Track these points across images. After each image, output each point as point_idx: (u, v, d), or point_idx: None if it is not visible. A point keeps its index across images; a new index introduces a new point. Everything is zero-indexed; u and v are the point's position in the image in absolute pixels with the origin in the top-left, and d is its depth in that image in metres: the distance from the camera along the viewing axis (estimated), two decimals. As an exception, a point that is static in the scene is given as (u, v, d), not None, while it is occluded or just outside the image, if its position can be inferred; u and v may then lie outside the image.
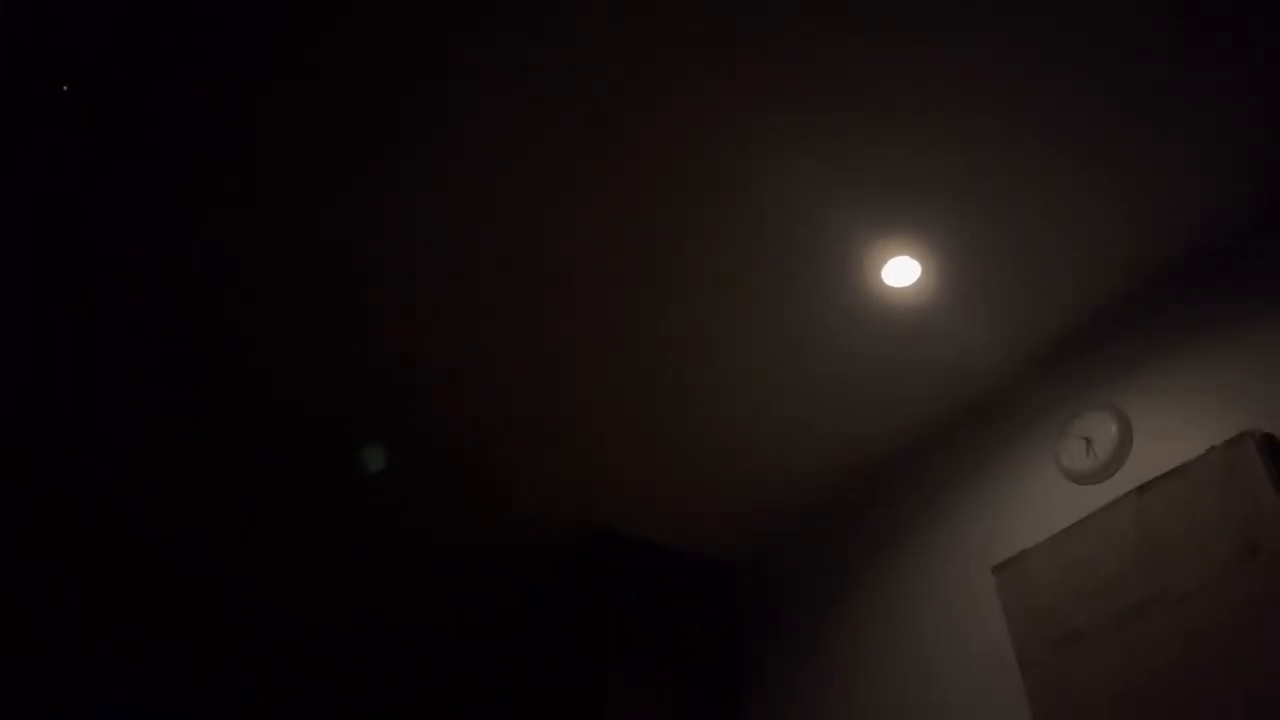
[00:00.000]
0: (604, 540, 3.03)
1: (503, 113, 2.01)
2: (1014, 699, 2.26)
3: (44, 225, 2.18)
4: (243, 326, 2.42)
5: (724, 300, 2.39)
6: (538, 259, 2.30)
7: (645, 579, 3.03)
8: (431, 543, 3.10)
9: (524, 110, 2.01)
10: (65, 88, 1.90)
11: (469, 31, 1.88)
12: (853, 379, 2.60)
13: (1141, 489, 2.18)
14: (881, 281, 2.36)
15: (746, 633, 3.07)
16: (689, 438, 2.75)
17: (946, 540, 2.59)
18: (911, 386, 2.62)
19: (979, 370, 2.59)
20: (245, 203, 2.17)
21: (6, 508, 2.84)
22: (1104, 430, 2.31)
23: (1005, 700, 2.28)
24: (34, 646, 2.95)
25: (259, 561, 3.12)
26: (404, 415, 2.66)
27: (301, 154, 2.08)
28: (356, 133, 2.04)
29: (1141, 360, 2.35)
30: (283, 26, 1.87)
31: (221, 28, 1.87)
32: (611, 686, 2.75)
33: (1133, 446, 2.27)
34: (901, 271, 2.35)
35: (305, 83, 1.96)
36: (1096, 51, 1.94)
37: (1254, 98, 2.02)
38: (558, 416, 2.67)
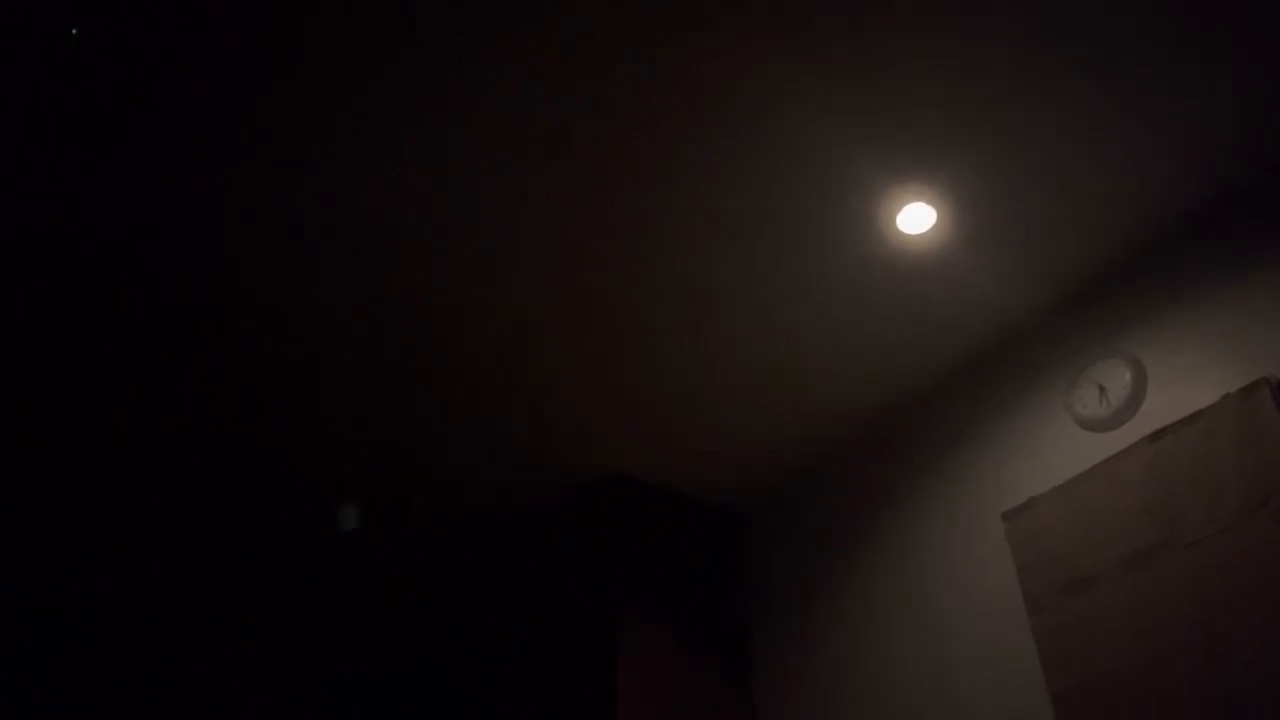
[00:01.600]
0: (614, 486, 3.05)
1: (531, 39, 1.98)
2: (1022, 644, 2.28)
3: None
4: (256, 282, 2.42)
5: (739, 246, 2.38)
6: (551, 202, 2.29)
7: (654, 525, 3.06)
8: (440, 488, 3.12)
9: (553, 49, 1.98)
10: (74, 31, 1.88)
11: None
12: (866, 326, 2.59)
13: (1154, 436, 2.18)
14: (896, 228, 2.35)
15: (754, 580, 3.10)
16: (701, 383, 2.75)
17: (956, 488, 2.60)
18: (924, 334, 2.62)
19: (992, 318, 2.58)
20: (260, 155, 2.16)
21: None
22: (1118, 377, 2.30)
23: (1013, 645, 2.30)
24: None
25: (269, 505, 3.16)
26: (415, 360, 2.66)
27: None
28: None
29: (1158, 307, 2.33)
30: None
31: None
32: (620, 633, 2.79)
33: (1146, 394, 2.26)
34: (916, 218, 2.33)
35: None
36: (1115, -4, 1.90)
37: (1271, 47, 1.99)
38: (568, 360, 2.68)
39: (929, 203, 2.29)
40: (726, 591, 3.10)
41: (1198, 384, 2.18)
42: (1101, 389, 2.33)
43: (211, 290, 2.45)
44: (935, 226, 2.34)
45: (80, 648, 2.74)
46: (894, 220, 2.33)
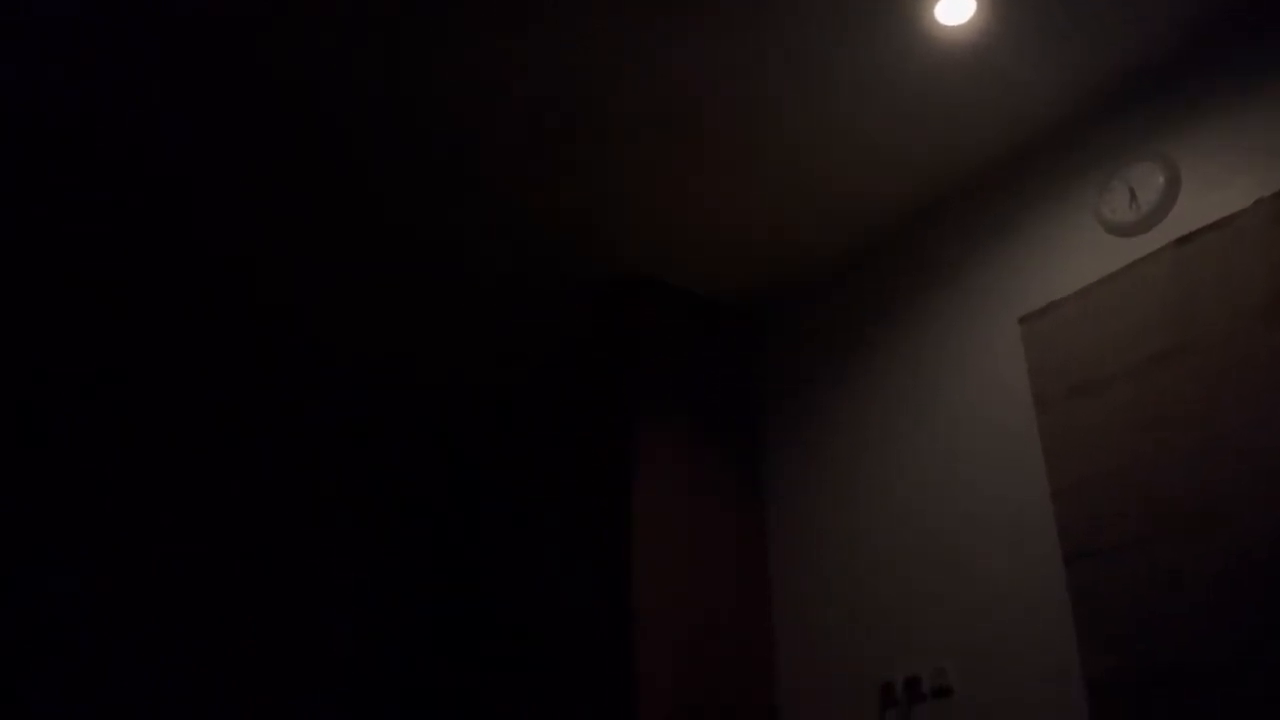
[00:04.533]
0: (630, 286, 3.07)
1: None
2: (1028, 444, 2.34)
3: None
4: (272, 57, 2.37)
5: (767, 33, 2.29)
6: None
7: (673, 327, 3.09)
8: (457, 289, 3.14)
9: None
10: None
11: None
12: (897, 122, 2.52)
13: (1181, 240, 2.15)
14: (934, 18, 2.24)
15: (769, 381, 3.16)
16: (720, 184, 2.72)
17: (977, 291, 2.60)
18: (956, 132, 2.55)
19: (1027, 116, 2.50)
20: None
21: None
22: (1150, 181, 2.25)
23: (1019, 445, 2.36)
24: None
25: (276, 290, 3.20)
26: (436, 154, 2.63)
27: None
28: None
29: (1197, 109, 2.25)
30: None
31: None
32: (637, 430, 2.86)
33: (1178, 198, 2.22)
34: (955, 8, 2.22)
35: None
36: None
37: None
38: (588, 158, 2.64)
39: (970, -10, 2.19)
40: (741, 392, 3.15)
41: (1230, 189, 2.13)
42: (1132, 192, 2.28)
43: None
44: (975, 16, 2.24)
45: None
46: (932, 9, 2.22)
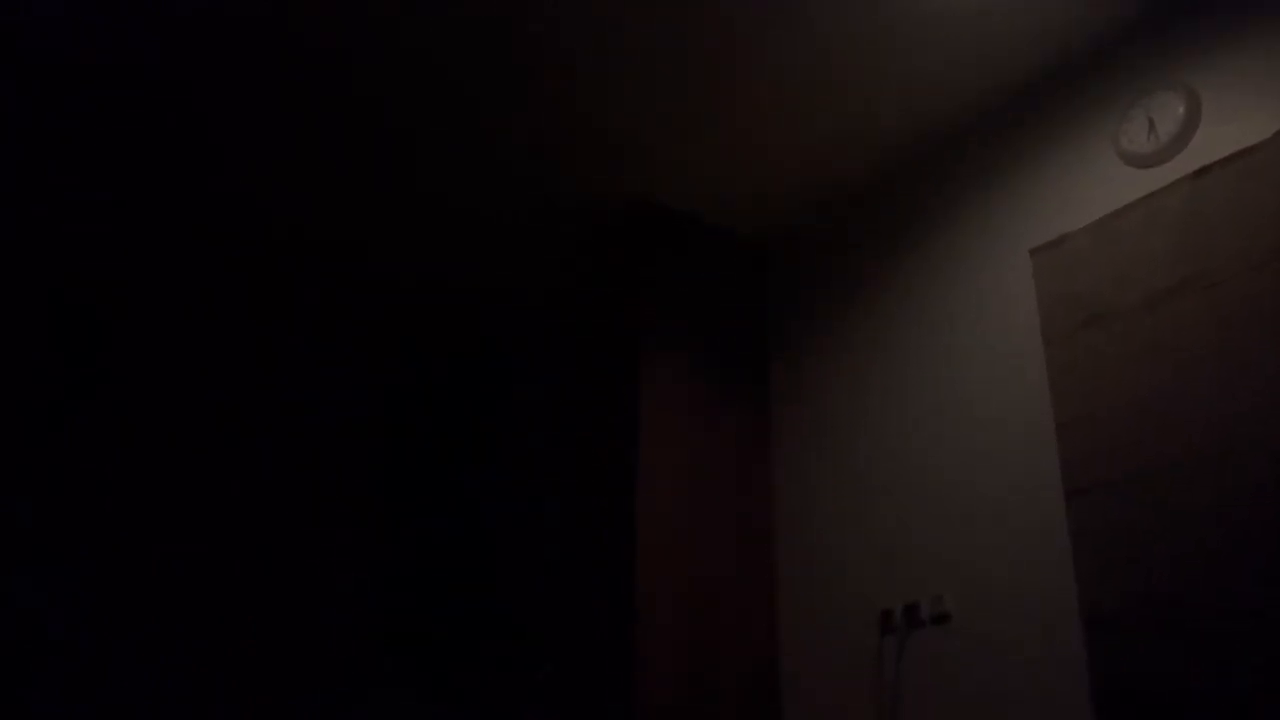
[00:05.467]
0: (641, 211, 3.04)
1: None
2: (1034, 376, 2.33)
3: None
4: None
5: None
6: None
7: (679, 254, 3.07)
8: (466, 214, 3.13)
9: None
10: None
11: None
12: (913, 46, 2.46)
13: (1198, 173, 2.11)
14: (953, -62, 2.18)
15: (780, 313, 3.15)
16: (738, 105, 2.67)
17: (988, 221, 2.57)
18: (973, 58, 2.49)
19: (1047, 42, 2.44)
20: None
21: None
22: (1170, 110, 2.20)
23: (1027, 377, 2.35)
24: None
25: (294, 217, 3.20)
26: (444, 76, 2.59)
27: None
28: None
29: (1220, 37, 2.19)
30: None
31: None
32: (643, 358, 2.86)
33: (1198, 129, 2.17)
34: (976, -73, 2.16)
35: None
36: None
37: None
38: (602, 82, 2.60)
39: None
40: (749, 322, 3.15)
41: (1251, 120, 2.08)
42: (1151, 122, 2.23)
43: None
44: (995, -63, 2.17)
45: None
46: (951, -71, 2.16)
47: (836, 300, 2.95)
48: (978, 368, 2.48)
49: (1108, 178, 2.32)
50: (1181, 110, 2.18)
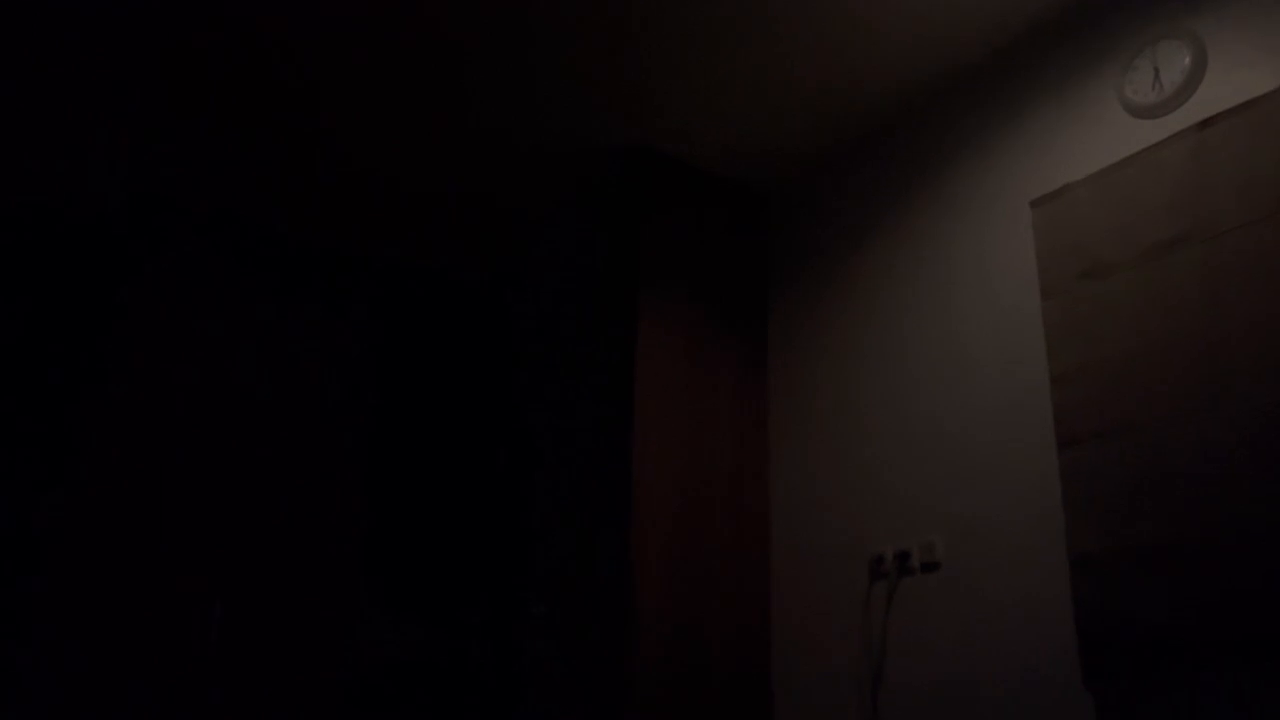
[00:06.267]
0: (641, 160, 3.02)
1: None
2: (1031, 327, 2.33)
3: None
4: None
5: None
6: None
7: (680, 202, 3.06)
8: (465, 159, 3.11)
9: None
10: None
11: None
12: (916, -6, 2.43)
13: (1202, 124, 2.09)
14: (961, -121, 2.14)
15: (779, 260, 3.14)
16: (730, 51, 2.64)
17: (989, 173, 2.55)
18: (974, 3, 2.45)
19: (1054, -9, 2.41)
20: None
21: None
22: (1176, 60, 2.17)
23: (1023, 328, 2.35)
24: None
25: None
26: (437, 27, 2.56)
27: None
28: None
29: (1234, -15, 2.16)
30: None
31: None
32: (642, 304, 2.86)
33: (1203, 80, 2.15)
34: None
35: None
36: None
37: None
38: (593, 25, 2.57)
39: None
40: (749, 269, 3.14)
41: (1258, 71, 2.06)
42: (1156, 72, 2.21)
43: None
44: (1005, -121, 2.13)
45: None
46: None
47: (835, 250, 2.94)
48: (975, 318, 2.48)
49: (1111, 128, 2.30)
50: (1187, 60, 2.16)
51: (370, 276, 3.68)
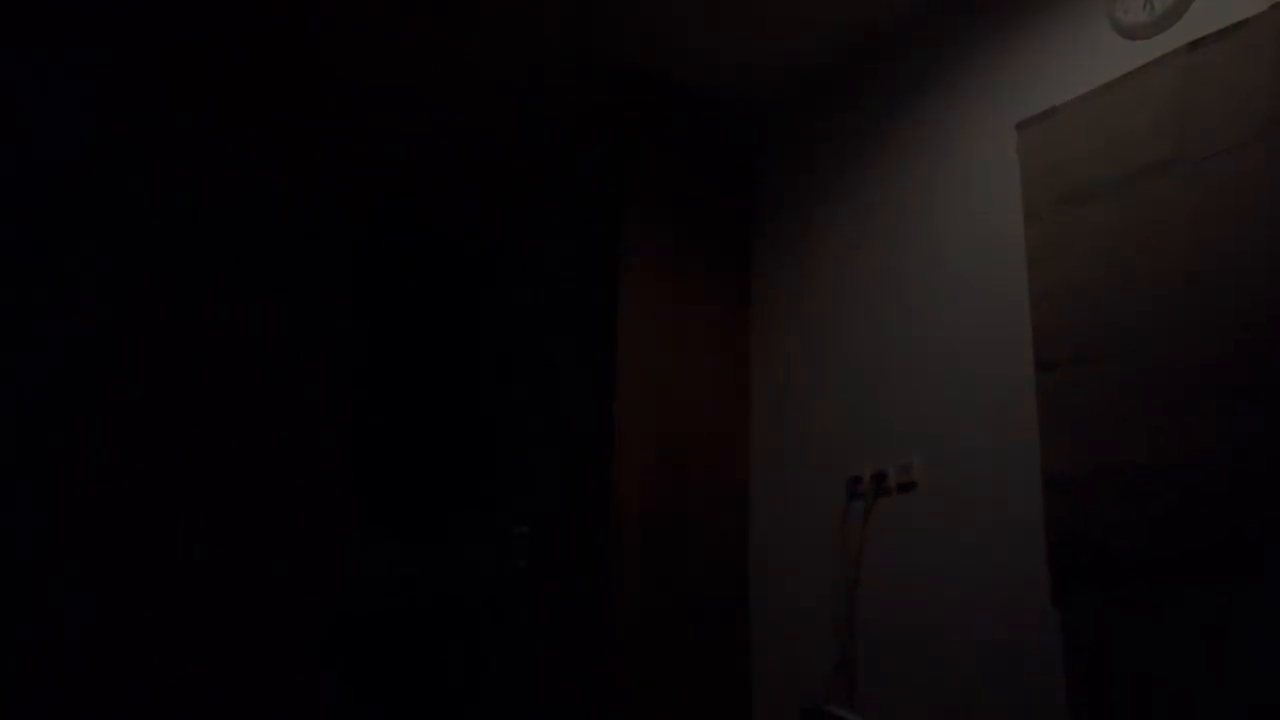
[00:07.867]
0: (627, 80, 2.98)
1: None
2: (1015, 252, 2.33)
3: None
4: None
5: None
6: None
7: (666, 122, 3.02)
8: (447, 88, 3.05)
9: None
10: None
11: None
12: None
13: (1191, 45, 2.07)
14: None
15: (764, 185, 3.12)
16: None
17: (975, 95, 2.53)
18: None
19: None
20: None
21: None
22: (1168, -21, 2.14)
23: (1006, 252, 2.36)
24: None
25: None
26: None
27: None
28: None
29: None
30: None
31: None
32: (628, 227, 2.85)
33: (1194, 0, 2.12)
34: None
35: None
36: None
37: None
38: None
39: None
40: (734, 194, 3.12)
41: (1253, -9, 2.03)
42: (1149, -7, 2.17)
43: None
44: None
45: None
46: None
47: (821, 171, 2.92)
48: (959, 240, 2.48)
49: (1101, 49, 2.27)
50: (1180, -21, 2.12)
51: (357, 209, 3.65)
